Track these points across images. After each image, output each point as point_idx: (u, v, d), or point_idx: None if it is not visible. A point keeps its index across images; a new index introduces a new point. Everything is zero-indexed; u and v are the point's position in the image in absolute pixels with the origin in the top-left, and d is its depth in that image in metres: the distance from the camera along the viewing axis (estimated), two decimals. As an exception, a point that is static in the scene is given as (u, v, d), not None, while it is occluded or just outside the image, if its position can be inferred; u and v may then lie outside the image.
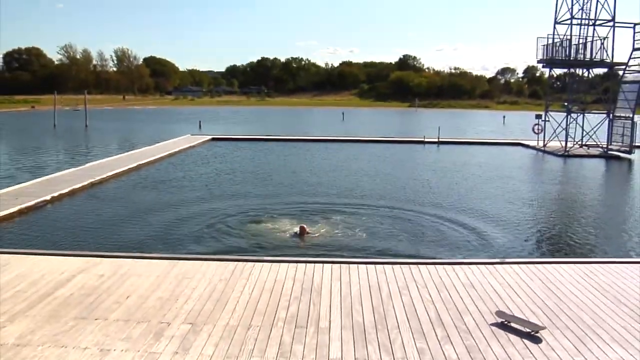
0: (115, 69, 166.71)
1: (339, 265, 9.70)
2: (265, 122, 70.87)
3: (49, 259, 9.93)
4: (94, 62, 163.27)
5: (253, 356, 6.32)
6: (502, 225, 15.42)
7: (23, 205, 15.66)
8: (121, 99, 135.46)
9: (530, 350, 6.58)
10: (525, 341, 6.83)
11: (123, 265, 9.56)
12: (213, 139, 40.20)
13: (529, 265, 10.04)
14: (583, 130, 35.46)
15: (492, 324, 7.31)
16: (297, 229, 13.66)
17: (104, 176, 21.50)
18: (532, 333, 7.04)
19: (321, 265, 9.69)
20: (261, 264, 9.75)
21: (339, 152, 34.64)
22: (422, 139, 41.30)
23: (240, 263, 9.77)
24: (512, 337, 6.95)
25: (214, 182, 22.23)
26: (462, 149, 38.06)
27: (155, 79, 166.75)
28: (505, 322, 7.34)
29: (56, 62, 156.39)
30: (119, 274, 9.15)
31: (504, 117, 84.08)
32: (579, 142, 36.03)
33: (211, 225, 14.74)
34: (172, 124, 64.11)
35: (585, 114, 35.99)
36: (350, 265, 9.75)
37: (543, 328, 7.14)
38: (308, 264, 9.74)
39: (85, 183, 19.77)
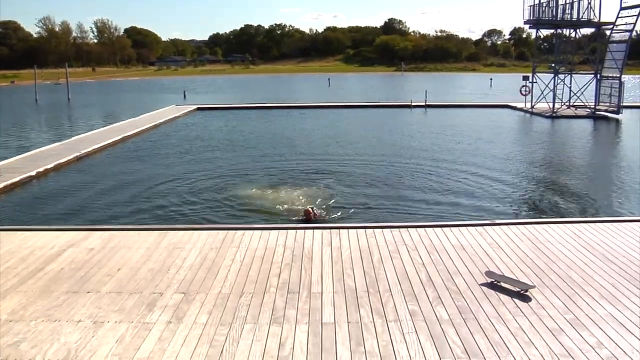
0: (95, 41, 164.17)
1: (329, 230, 9.74)
2: (250, 90, 70.34)
3: (37, 234, 9.88)
4: (74, 34, 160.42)
5: (246, 322, 6.38)
6: (491, 186, 15.55)
7: (8, 182, 15.52)
8: (106, 70, 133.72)
9: (520, 309, 6.68)
10: (516, 300, 6.92)
11: (113, 238, 9.54)
12: (198, 109, 39.92)
13: (518, 225, 10.12)
14: (570, 91, 35.53)
15: (483, 284, 7.40)
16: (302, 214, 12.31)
17: (90, 149, 21.33)
18: (522, 292, 7.12)
19: (311, 231, 9.72)
20: (251, 231, 9.77)
21: (326, 117, 34.55)
22: (409, 103, 41.25)
23: (230, 231, 9.79)
24: (503, 296, 7.04)
25: (200, 152, 22.14)
26: (450, 112, 38.05)
27: (138, 50, 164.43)
28: (496, 282, 7.43)
29: (35, 36, 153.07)
30: (109, 246, 9.13)
31: (491, 79, 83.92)
32: (567, 103, 36.14)
33: (202, 197, 14.76)
34: (156, 94, 63.50)
35: (573, 75, 36.04)
36: (341, 230, 9.78)
37: (533, 287, 7.22)
38: (298, 231, 9.76)
39: (70, 157, 19.62)
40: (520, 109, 38.08)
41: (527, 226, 10.10)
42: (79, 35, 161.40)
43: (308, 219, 11.89)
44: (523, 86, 38.66)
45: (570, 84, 35.47)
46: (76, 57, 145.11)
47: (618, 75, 33.26)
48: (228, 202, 14.09)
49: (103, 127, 29.04)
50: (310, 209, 12.22)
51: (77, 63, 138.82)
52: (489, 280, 7.51)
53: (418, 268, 8.00)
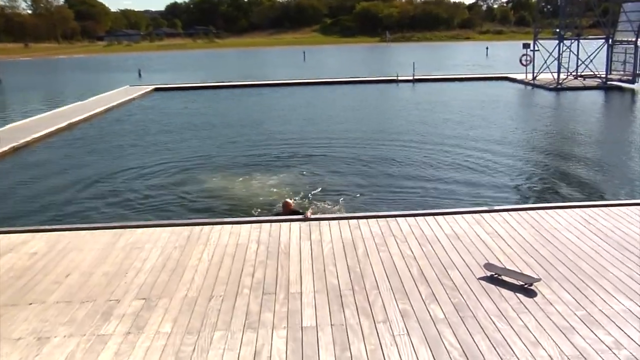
0: (30, 11, 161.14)
1: (307, 222, 9.76)
2: (215, 67, 70.04)
3: (-32, 238, 9.71)
4: (1, 2, 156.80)
5: (217, 329, 6.38)
6: (486, 172, 15.68)
7: None
8: (45, 47, 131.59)
9: (525, 305, 6.73)
10: (519, 295, 6.97)
11: (60, 240, 9.43)
12: (156, 89, 39.76)
13: (519, 211, 10.18)
14: (578, 59, 35.67)
15: (481, 278, 7.46)
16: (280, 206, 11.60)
17: (29, 139, 21.06)
18: (526, 286, 7.17)
19: (287, 224, 9.73)
20: (220, 226, 9.75)
21: (301, 96, 34.53)
22: (395, 78, 41.36)
23: (196, 227, 9.76)
24: (504, 291, 7.09)
25: (158, 138, 22.00)
26: (441, 86, 38.25)
27: (82, 22, 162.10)
28: (496, 276, 7.48)
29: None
30: (55, 250, 9.01)
31: (487, 48, 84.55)
32: (574, 73, 36.33)
33: (162, 190, 14.70)
34: (106, 73, 62.92)
35: (581, 41, 36.06)
36: (321, 221, 9.80)
37: (538, 280, 7.27)
38: (273, 224, 9.77)
39: (6, 148, 19.33)
40: (521, 81, 38.35)
41: (530, 212, 10.16)
42: (7, 4, 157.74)
43: (287, 213, 11.05)
44: (523, 55, 38.84)
45: (578, 51, 35.59)
46: (6, 30, 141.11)
47: (634, 40, 33.00)
48: (191, 194, 14.05)
49: (44, 112, 28.64)
50: (288, 201, 11.45)
51: (8, 38, 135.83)
52: (489, 273, 7.57)
53: (409, 262, 8.04)
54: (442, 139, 19.90)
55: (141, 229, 9.82)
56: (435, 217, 9.90)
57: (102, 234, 9.67)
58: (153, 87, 40.38)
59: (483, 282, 7.35)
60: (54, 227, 10.36)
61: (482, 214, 10.00)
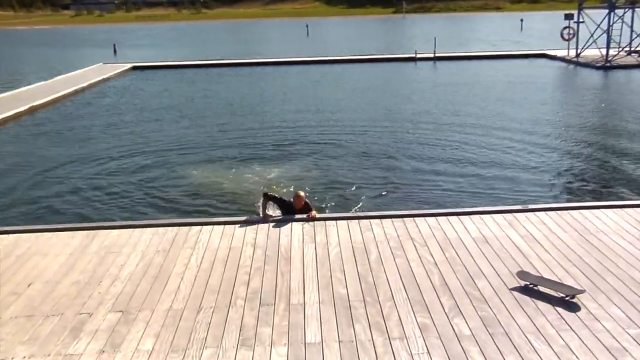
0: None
1: (311, 223, 9.77)
2: (203, 42, 70.03)
3: None
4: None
5: (207, 346, 6.39)
6: (520, 166, 15.65)
7: None
8: (3, 15, 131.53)
9: (565, 321, 6.72)
10: (559, 309, 6.96)
11: (19, 243, 9.42)
12: (134, 68, 39.88)
13: (559, 211, 10.15)
14: (632, 31, 35.24)
15: (514, 289, 7.46)
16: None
17: (-16, 124, 21.12)
18: (568, 298, 7.16)
19: (289, 224, 9.74)
20: (210, 227, 9.77)
21: (303, 76, 34.52)
22: (413, 55, 41.33)
23: (184, 228, 9.78)
24: (542, 304, 7.08)
25: (135, 123, 22.03)
26: (466, 65, 38.11)
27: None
28: (531, 286, 7.47)
29: None
30: (14, 255, 9.00)
31: (521, 20, 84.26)
32: (626, 49, 35.95)
33: (139, 183, 14.73)
34: (74, 49, 62.89)
35: (636, 9, 35.65)
36: (327, 222, 9.80)
37: (582, 292, 7.25)
38: (271, 224, 9.77)
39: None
40: (562, 59, 38.17)
41: (572, 212, 10.11)
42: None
43: (299, 208, 10.35)
44: (565, 28, 38.64)
45: (632, 21, 35.04)
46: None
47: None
48: (177, 189, 14.06)
49: (1, 94, 28.65)
50: (301, 194, 10.50)
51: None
52: (523, 283, 7.57)
53: (429, 269, 8.05)
54: (467, 127, 19.86)
55: (117, 230, 9.82)
56: (460, 217, 9.89)
57: (71, 236, 9.65)
58: (130, 65, 40.52)
59: (516, 294, 7.35)
60: (11, 228, 10.31)
61: (514, 214, 9.98)
